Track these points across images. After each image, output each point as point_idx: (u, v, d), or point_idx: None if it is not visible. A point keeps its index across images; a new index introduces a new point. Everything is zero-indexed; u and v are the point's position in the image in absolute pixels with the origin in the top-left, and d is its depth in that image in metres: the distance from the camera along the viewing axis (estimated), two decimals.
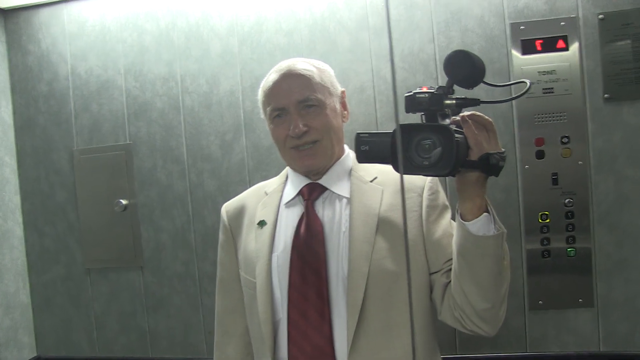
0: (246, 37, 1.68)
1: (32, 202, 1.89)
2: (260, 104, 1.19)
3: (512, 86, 1.40)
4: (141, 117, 1.78)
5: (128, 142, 1.79)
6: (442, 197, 1.14)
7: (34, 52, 1.86)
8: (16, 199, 1.89)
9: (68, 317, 1.88)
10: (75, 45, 1.82)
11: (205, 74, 1.72)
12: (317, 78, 1.13)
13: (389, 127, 0.92)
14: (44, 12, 1.84)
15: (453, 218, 1.05)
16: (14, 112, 1.89)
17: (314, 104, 1.11)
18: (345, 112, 1.21)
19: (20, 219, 1.90)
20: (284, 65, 1.16)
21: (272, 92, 1.13)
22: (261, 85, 1.18)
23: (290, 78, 1.12)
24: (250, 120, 1.69)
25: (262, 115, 1.20)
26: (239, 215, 1.24)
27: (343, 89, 1.21)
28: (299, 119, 1.10)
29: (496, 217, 0.95)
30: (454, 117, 0.92)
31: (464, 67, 0.88)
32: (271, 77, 1.15)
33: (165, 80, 1.75)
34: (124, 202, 1.78)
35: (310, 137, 1.11)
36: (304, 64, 1.15)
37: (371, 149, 0.95)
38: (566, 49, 1.47)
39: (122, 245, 1.81)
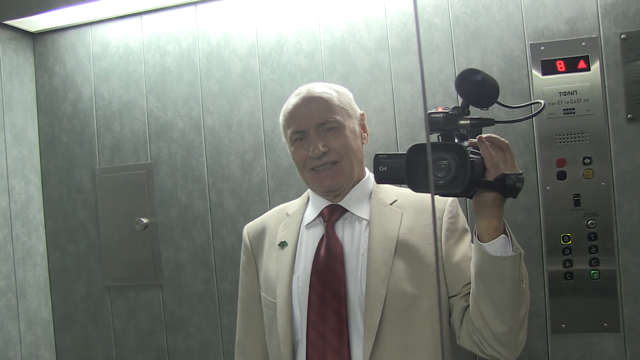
0: (267, 58, 1.71)
1: (55, 220, 1.93)
2: (281, 128, 1.22)
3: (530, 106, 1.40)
4: (162, 137, 1.81)
5: (149, 161, 1.82)
6: (462, 221, 1.14)
7: (60, 73, 1.90)
8: (40, 216, 1.93)
9: (88, 334, 1.90)
10: (99, 66, 1.87)
11: (226, 94, 1.75)
12: (335, 101, 1.15)
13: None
14: (70, 34, 1.89)
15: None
16: (40, 131, 1.94)
17: (333, 126, 1.13)
18: (365, 134, 1.23)
19: (43, 236, 1.93)
20: (303, 89, 1.19)
21: (292, 116, 1.16)
22: (282, 110, 1.21)
23: (310, 101, 1.15)
24: (270, 140, 1.71)
25: (284, 139, 1.22)
26: (260, 236, 1.25)
27: (362, 112, 1.23)
28: (319, 141, 1.12)
29: (513, 238, 0.95)
30: (471, 140, 0.93)
31: (474, 84, 0.89)
32: (291, 101, 1.19)
33: (187, 100, 1.78)
34: (144, 220, 1.80)
35: (329, 157, 1.13)
36: (322, 87, 1.18)
37: (389, 169, 0.97)
38: (587, 69, 1.46)
39: (142, 263, 1.82)
